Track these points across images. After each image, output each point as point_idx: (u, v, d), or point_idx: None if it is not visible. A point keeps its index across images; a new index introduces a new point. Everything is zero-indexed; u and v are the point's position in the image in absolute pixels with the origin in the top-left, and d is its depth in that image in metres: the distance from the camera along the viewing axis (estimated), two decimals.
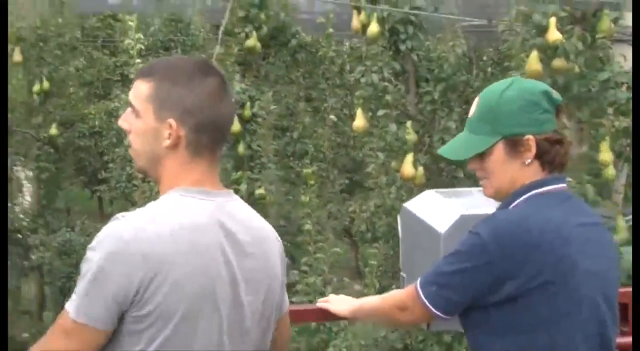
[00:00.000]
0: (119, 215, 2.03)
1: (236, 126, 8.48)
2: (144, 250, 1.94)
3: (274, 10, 8.73)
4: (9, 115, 11.20)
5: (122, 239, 1.94)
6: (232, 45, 8.64)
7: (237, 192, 8.54)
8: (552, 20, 5.85)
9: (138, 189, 8.81)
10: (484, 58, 8.31)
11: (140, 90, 2.16)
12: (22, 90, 11.14)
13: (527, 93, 2.25)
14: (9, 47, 10.90)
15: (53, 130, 11.05)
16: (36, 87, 10.90)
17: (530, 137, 2.18)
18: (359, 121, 7.27)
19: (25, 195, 12.54)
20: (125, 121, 2.16)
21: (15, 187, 11.92)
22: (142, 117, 2.14)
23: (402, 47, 7.22)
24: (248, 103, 8.51)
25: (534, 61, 5.89)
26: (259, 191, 8.27)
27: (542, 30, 5.97)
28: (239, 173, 8.43)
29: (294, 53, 8.97)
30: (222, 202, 2.13)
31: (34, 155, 11.37)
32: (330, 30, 9.12)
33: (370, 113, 7.44)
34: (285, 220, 8.40)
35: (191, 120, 2.12)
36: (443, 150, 2.42)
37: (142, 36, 8.61)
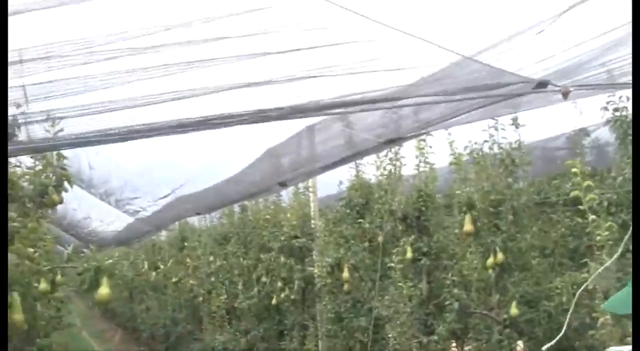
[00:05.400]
0: None
1: None
2: None
3: None
4: (465, 294, 9.94)
5: None
6: None
7: None
8: None
9: None
10: None
11: None
12: (477, 266, 9.81)
13: None
14: (459, 215, 9.87)
15: (513, 310, 9.41)
16: (490, 261, 9.50)
17: None
18: None
19: None
20: None
21: None
22: None
23: None
24: None
25: None
26: None
27: None
28: None
29: None
30: None
31: (495, 339, 9.79)
32: None
33: None
34: None
35: None
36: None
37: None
